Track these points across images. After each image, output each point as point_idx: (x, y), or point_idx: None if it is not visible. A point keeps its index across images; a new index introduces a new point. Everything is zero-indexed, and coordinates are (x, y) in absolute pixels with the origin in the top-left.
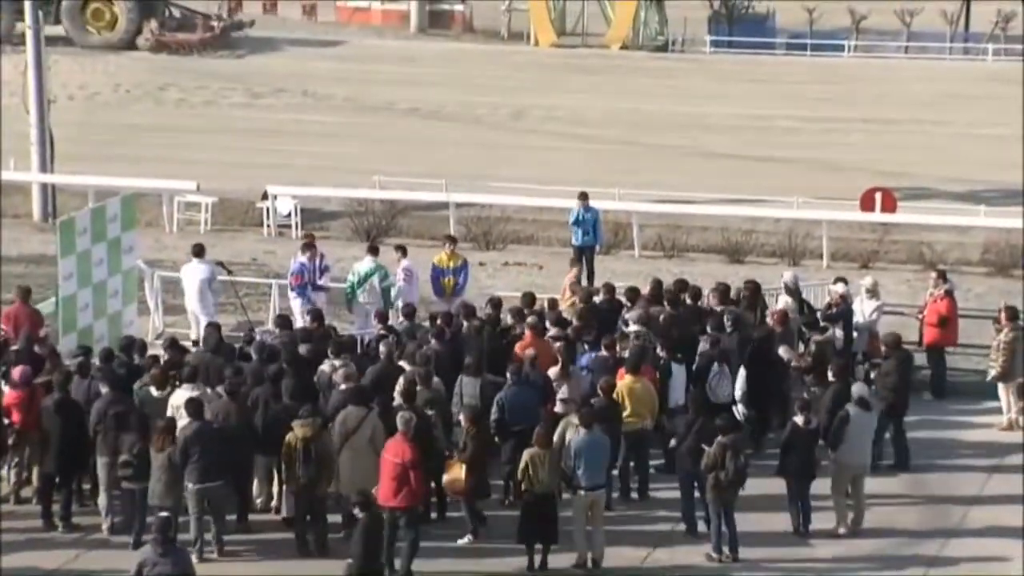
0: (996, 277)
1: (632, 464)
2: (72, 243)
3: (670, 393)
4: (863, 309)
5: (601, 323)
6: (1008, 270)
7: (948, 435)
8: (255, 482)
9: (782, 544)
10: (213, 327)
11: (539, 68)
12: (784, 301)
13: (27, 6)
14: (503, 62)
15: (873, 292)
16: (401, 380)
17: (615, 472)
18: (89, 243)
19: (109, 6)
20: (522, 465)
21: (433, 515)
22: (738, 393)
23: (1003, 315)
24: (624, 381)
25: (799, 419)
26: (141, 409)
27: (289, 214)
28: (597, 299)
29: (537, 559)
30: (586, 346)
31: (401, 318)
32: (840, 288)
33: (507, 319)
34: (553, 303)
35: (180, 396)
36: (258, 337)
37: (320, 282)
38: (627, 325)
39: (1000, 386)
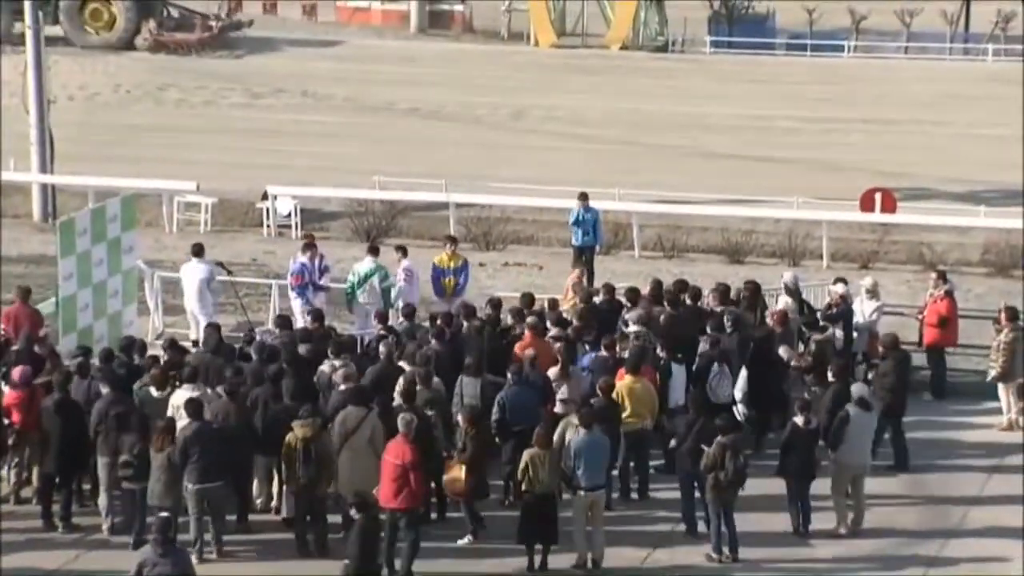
0: (996, 277)
1: (632, 464)
2: (72, 243)
3: (670, 393)
4: (863, 309)
5: (601, 323)
6: (1008, 270)
7: (948, 435)
8: (255, 482)
9: (782, 544)
10: (213, 327)
11: (539, 68)
12: (784, 301)
13: (27, 6)
14: (503, 62)
15: (873, 292)
16: (401, 380)
17: (615, 472)
18: (89, 243)
19: (107, 6)
20: (522, 465)
21: (433, 516)
22: (739, 394)
23: (1003, 315)
24: (624, 381)
25: (799, 419)
26: (141, 409)
27: (289, 214)
28: (597, 299)
29: (537, 559)
30: (587, 346)
31: (401, 318)
32: (840, 288)
33: (507, 319)
34: (554, 303)
35: (180, 396)
36: (258, 337)
37: (321, 282)
38: (627, 326)
39: (1000, 386)
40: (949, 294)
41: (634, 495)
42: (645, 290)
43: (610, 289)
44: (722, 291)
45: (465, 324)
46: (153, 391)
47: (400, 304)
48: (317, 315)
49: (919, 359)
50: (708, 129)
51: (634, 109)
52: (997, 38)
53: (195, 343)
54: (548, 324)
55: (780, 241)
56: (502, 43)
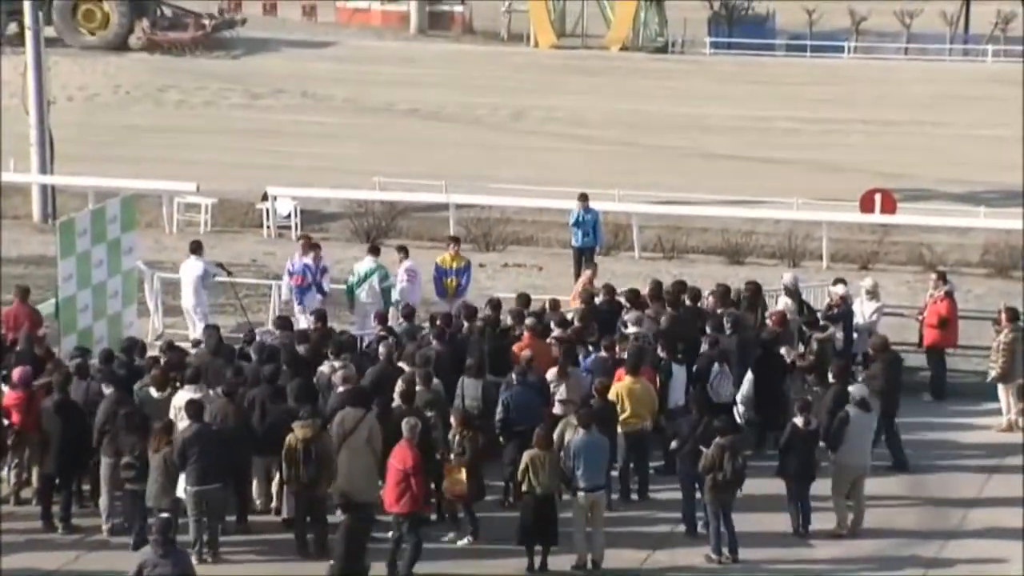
0: (996, 278)
1: (632, 465)
2: (72, 244)
3: (670, 394)
4: (863, 310)
5: (601, 324)
6: (1008, 271)
7: (948, 436)
8: (254, 483)
9: (782, 545)
10: (213, 328)
11: (539, 69)
12: (784, 302)
13: (26, 7)
14: (503, 63)
15: (873, 293)
16: (400, 381)
17: (614, 473)
18: (89, 244)
19: (99, 6)
20: (522, 466)
21: (433, 516)
22: (741, 395)
23: (1003, 316)
24: (624, 382)
25: (799, 420)
26: (141, 410)
27: (289, 215)
28: (597, 300)
29: (537, 560)
30: (589, 347)
31: (400, 319)
32: (840, 289)
33: (507, 320)
34: (555, 304)
35: (182, 397)
36: (258, 338)
37: (323, 284)
38: (626, 327)
39: (1000, 387)
40: (949, 295)
41: (634, 496)
42: (645, 291)
43: (610, 290)
44: (722, 292)
45: (466, 325)
46: (153, 392)
47: (400, 304)
48: (320, 315)
49: (919, 360)
50: (708, 130)
51: (634, 110)
52: (997, 39)
53: (194, 343)
54: (551, 325)
55: (780, 242)
56: (502, 44)
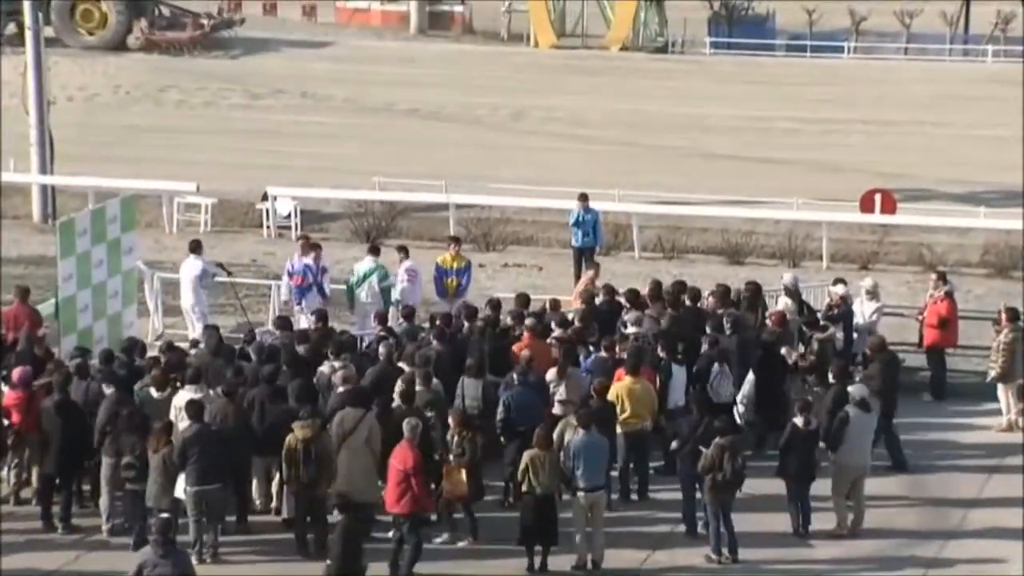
0: (996, 278)
1: (632, 465)
2: (72, 244)
3: (670, 394)
4: (863, 311)
5: (601, 324)
6: (1008, 271)
7: (948, 437)
8: (254, 483)
9: (782, 545)
10: (213, 329)
11: (539, 69)
12: (784, 303)
13: (26, 7)
14: (503, 63)
15: (873, 294)
16: (399, 381)
17: (614, 473)
18: (89, 244)
19: (97, 6)
20: (522, 466)
21: (433, 517)
22: (742, 396)
23: (1003, 316)
24: (624, 382)
25: (799, 420)
26: (142, 410)
27: (289, 215)
28: (597, 300)
29: (537, 561)
30: (591, 348)
31: (400, 319)
32: (840, 289)
33: (507, 320)
34: (555, 304)
35: (182, 397)
36: (259, 338)
37: (324, 285)
38: (626, 327)
39: (999, 387)
40: (949, 295)
41: (634, 496)
42: (644, 291)
43: (610, 290)
44: (722, 292)
45: (467, 325)
46: (153, 392)
47: (401, 304)
48: (321, 315)
49: (919, 360)
50: (708, 130)
51: (634, 110)
52: (997, 39)
53: (192, 344)
54: (552, 325)
55: (780, 242)
56: (502, 44)
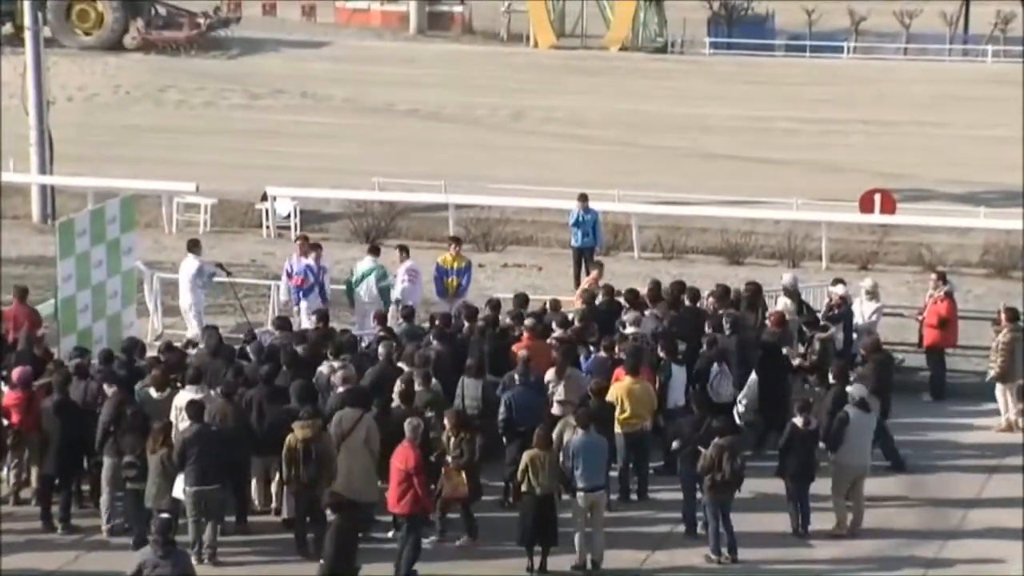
0: (996, 279)
1: (631, 465)
2: (71, 244)
3: (669, 394)
4: (863, 311)
5: (601, 325)
6: (1007, 271)
7: (947, 437)
8: (253, 483)
9: (781, 545)
10: (212, 329)
11: (538, 69)
12: (783, 303)
13: (26, 7)
14: (502, 63)
15: (873, 294)
16: (398, 382)
17: (613, 473)
18: (88, 244)
19: (93, 6)
20: (522, 466)
21: (432, 517)
22: (744, 396)
23: (1003, 316)
24: (624, 382)
25: (798, 420)
26: (142, 410)
27: (288, 215)
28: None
29: (537, 561)
30: (591, 348)
31: (400, 320)
32: (840, 290)
33: (505, 320)
34: (556, 304)
35: (183, 398)
36: (259, 338)
37: (326, 285)
38: (624, 327)
39: (998, 386)
40: (949, 295)
41: (633, 496)
42: (644, 291)
43: (610, 291)
44: (721, 292)
45: (467, 325)
46: (152, 392)
47: (400, 304)
48: (321, 315)
49: (919, 360)
50: (707, 130)
51: (633, 110)
52: (996, 39)
53: (187, 343)
54: (552, 325)
55: (779, 242)
56: (501, 44)
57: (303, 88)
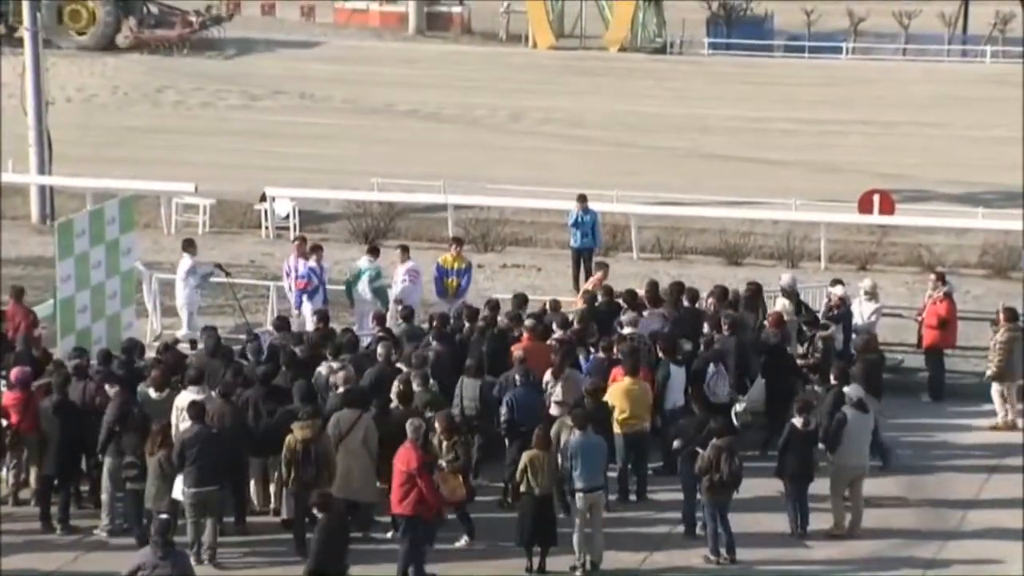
0: (994, 279)
1: (630, 466)
2: (70, 245)
3: (668, 394)
4: (862, 311)
5: (600, 325)
6: (1006, 272)
7: (946, 437)
8: (251, 483)
9: (780, 545)
10: (211, 329)
11: (537, 70)
12: (782, 304)
13: (25, 7)
14: (501, 64)
15: (872, 294)
16: (396, 382)
17: (612, 474)
18: (87, 245)
19: (85, 5)
20: (520, 467)
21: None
22: (748, 397)
23: (1001, 316)
24: (623, 383)
25: (797, 421)
26: (143, 410)
27: (287, 216)
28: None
29: (536, 561)
30: (590, 349)
31: (399, 320)
32: (839, 290)
33: (504, 321)
34: (556, 305)
35: (184, 398)
36: (261, 338)
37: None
38: (622, 327)
39: (994, 386)
40: (948, 296)
41: (632, 497)
42: (642, 292)
43: (609, 291)
44: (720, 293)
45: (467, 325)
46: (152, 392)
47: (398, 304)
48: (322, 315)
49: (918, 360)
50: (706, 131)
51: (632, 111)
52: (995, 40)
53: (175, 341)
54: (552, 326)
55: (778, 243)
56: (500, 45)
57: (302, 88)
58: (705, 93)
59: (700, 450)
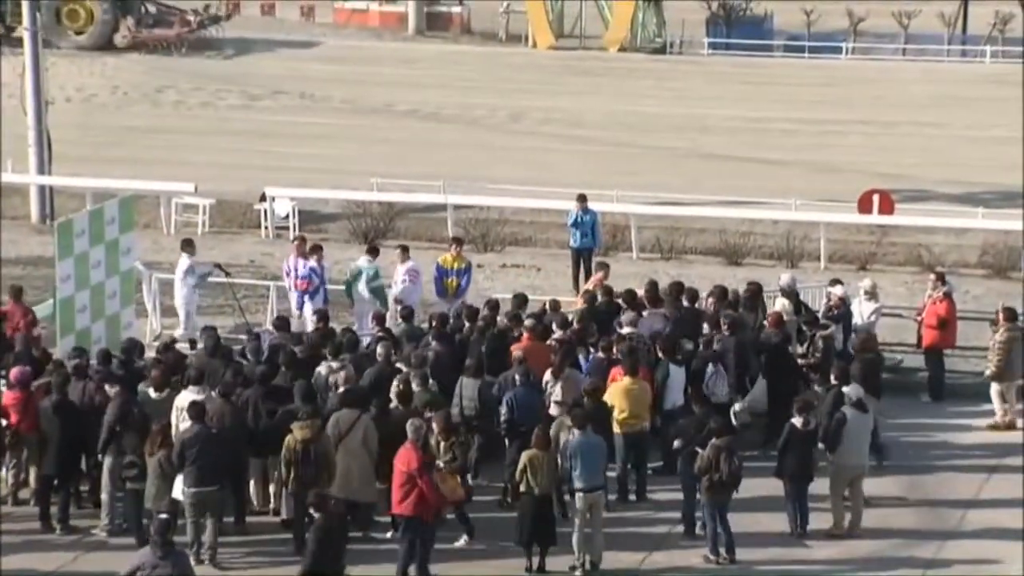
0: (994, 279)
1: (630, 466)
2: (70, 245)
3: (667, 394)
4: (862, 311)
5: (600, 325)
6: (1006, 272)
7: (946, 437)
8: (251, 484)
9: (779, 545)
10: (211, 329)
11: (537, 70)
12: (781, 303)
13: (25, 7)
14: (501, 64)
15: (872, 294)
16: (395, 382)
17: (612, 474)
18: (87, 245)
19: (83, 5)
20: (520, 467)
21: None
22: (750, 397)
23: (1001, 316)
24: (622, 383)
25: (797, 420)
26: (143, 410)
27: (287, 216)
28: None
29: (535, 561)
30: (590, 349)
31: (399, 320)
32: (839, 290)
33: (503, 321)
34: (556, 305)
35: (184, 398)
36: (262, 338)
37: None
38: (621, 327)
39: (993, 385)
40: (948, 296)
41: (632, 497)
42: (642, 292)
43: (608, 291)
44: (719, 293)
45: (467, 325)
46: (152, 392)
47: (398, 304)
48: (322, 315)
49: (917, 360)
50: (706, 131)
51: (632, 111)
52: (995, 40)
53: (190, 343)
54: (552, 326)
55: (778, 243)
56: (500, 45)
57: (301, 88)
58: (705, 93)
59: (700, 450)
